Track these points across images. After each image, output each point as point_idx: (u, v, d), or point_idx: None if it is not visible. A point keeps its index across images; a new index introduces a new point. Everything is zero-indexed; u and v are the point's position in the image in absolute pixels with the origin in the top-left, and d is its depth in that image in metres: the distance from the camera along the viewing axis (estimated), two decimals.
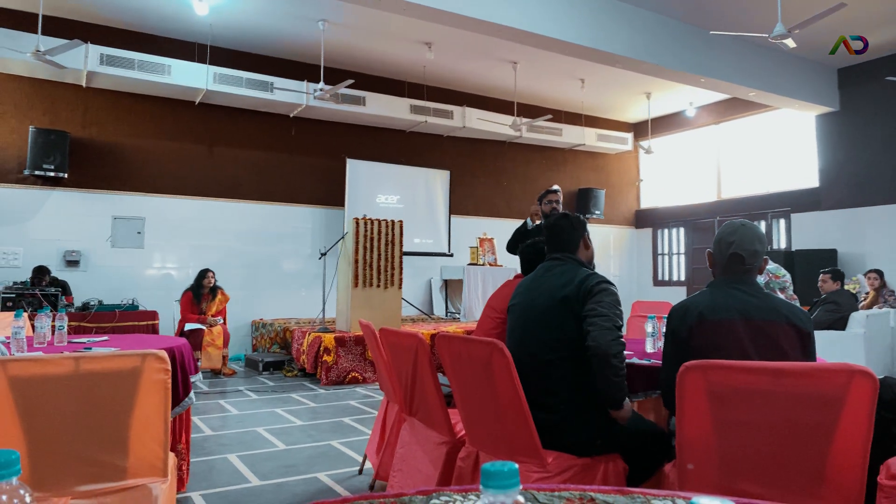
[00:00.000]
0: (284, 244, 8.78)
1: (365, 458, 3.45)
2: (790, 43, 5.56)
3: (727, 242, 2.08)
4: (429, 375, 2.42)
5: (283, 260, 8.78)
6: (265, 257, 8.63)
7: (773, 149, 10.12)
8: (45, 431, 1.79)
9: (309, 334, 6.73)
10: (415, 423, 2.65)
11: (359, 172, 9.18)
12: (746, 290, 2.01)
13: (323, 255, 7.40)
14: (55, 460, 1.79)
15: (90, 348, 2.81)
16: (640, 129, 11.80)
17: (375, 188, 9.37)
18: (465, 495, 0.97)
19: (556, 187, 4.82)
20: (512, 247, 4.60)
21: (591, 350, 2.03)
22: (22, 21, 6.90)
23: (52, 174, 7.06)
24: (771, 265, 5.16)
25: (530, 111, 10.33)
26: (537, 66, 8.84)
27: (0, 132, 7.13)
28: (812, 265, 7.98)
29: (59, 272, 7.13)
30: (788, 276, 5.28)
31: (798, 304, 2.50)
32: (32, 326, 3.04)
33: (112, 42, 7.38)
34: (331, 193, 9.04)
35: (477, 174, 10.44)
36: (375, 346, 3.06)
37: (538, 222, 4.58)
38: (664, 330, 2.15)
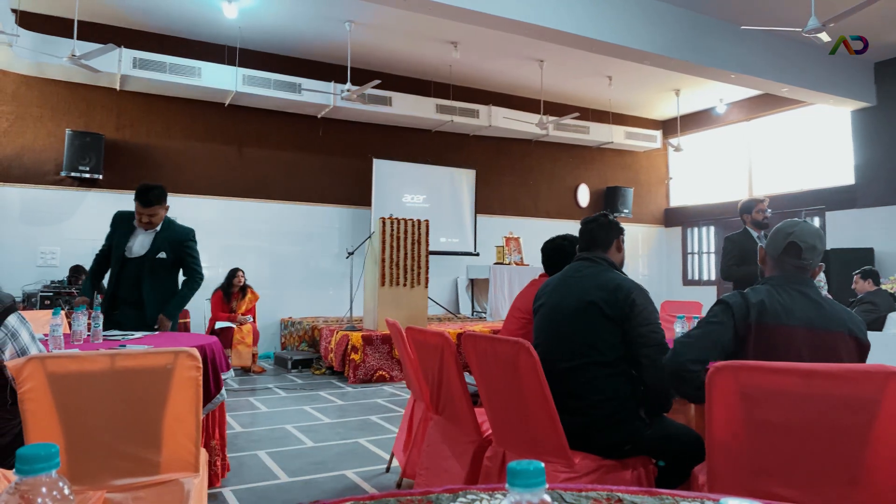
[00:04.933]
0: (312, 243, 8.86)
1: (392, 456, 3.47)
2: (824, 37, 5.41)
3: (786, 233, 1.96)
4: (455, 374, 2.42)
5: (311, 259, 8.87)
6: (293, 256, 8.72)
7: (806, 145, 9.89)
8: (81, 426, 1.83)
9: (337, 333, 6.78)
10: (441, 421, 2.65)
11: (385, 172, 9.23)
12: (808, 292, 1.89)
13: (350, 254, 7.45)
14: (92, 454, 1.83)
15: (125, 346, 2.87)
16: (669, 127, 11.63)
17: (402, 188, 9.41)
18: (492, 494, 0.97)
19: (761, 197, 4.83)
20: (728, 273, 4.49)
21: (649, 390, 2.12)
22: (58, 27, 7.09)
23: (87, 175, 7.24)
24: None
25: (557, 109, 10.26)
26: (564, 63, 8.77)
27: (38, 135, 7.34)
28: (848, 264, 7.77)
29: None
30: (823, 276, 5.17)
31: None
32: (69, 324, 3.12)
33: (144, 46, 7.54)
34: (358, 193, 9.10)
35: (503, 173, 10.41)
36: (402, 345, 3.07)
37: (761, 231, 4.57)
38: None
